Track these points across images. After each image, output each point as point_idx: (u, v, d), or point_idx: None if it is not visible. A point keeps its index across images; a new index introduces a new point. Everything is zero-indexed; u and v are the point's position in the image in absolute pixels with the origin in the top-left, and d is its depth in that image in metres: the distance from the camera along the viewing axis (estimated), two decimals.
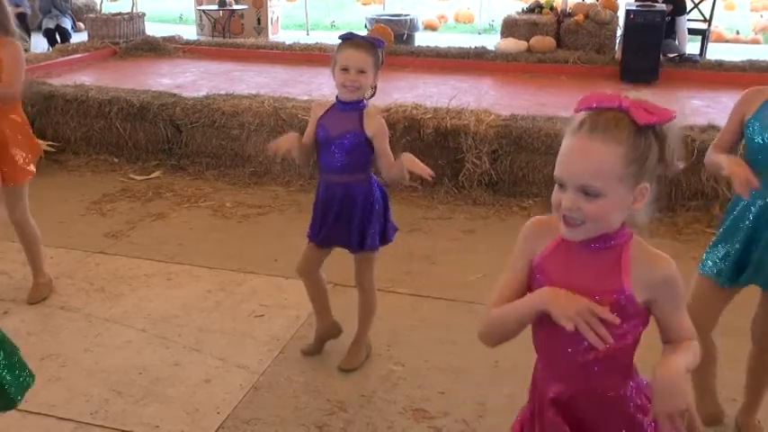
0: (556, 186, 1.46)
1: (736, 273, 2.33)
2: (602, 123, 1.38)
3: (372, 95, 2.79)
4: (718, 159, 2.34)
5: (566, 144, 1.43)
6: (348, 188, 2.77)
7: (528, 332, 1.63)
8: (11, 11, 3.26)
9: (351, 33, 2.77)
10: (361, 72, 2.66)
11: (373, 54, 2.69)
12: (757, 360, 2.51)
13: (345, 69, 2.67)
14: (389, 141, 2.80)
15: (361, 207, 2.79)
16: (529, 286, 1.57)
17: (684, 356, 1.44)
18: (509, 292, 1.58)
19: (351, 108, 2.74)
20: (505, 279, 1.61)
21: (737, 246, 2.31)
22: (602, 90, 1.45)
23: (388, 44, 8.19)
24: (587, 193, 1.39)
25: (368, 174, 2.82)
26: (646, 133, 1.38)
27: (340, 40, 2.73)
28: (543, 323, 1.51)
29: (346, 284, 3.37)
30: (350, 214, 2.79)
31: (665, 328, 1.51)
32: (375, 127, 2.74)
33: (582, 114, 1.42)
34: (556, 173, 1.44)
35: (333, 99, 2.81)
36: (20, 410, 2.68)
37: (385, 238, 2.91)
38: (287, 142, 2.79)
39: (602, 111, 1.39)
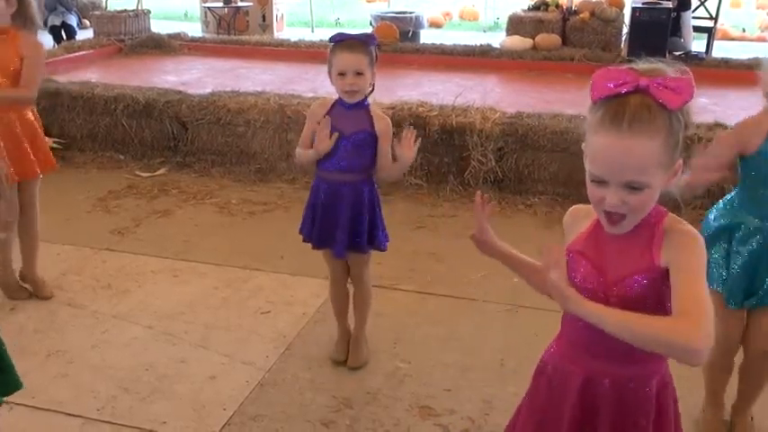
0: (591, 183, 1.42)
1: (743, 296, 2.36)
2: (636, 115, 1.33)
3: (371, 92, 2.77)
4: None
5: (601, 141, 1.37)
6: (356, 187, 2.76)
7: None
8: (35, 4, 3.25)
9: (341, 34, 2.74)
10: (359, 74, 2.65)
11: (367, 53, 2.68)
12: (748, 367, 2.52)
13: (342, 74, 2.66)
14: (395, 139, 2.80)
15: (368, 206, 2.78)
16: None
17: (614, 313, 1.35)
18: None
19: (357, 107, 2.73)
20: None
21: (738, 270, 2.34)
22: (614, 68, 1.39)
23: (393, 41, 8.20)
24: (632, 187, 1.37)
25: (372, 172, 2.82)
26: (676, 113, 1.36)
27: (332, 43, 2.70)
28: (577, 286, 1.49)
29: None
30: (359, 214, 2.78)
31: (673, 296, 1.38)
32: (383, 127, 2.74)
33: (605, 104, 1.37)
34: (595, 171, 1.40)
35: (332, 98, 2.79)
36: (27, 406, 2.70)
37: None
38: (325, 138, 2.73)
39: (624, 97, 1.35)
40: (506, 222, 4.53)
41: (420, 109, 5.05)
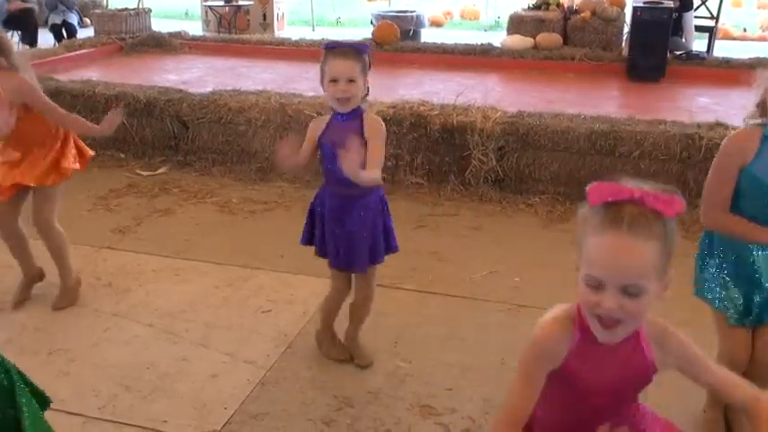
0: (586, 286, 1.43)
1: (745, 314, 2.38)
2: (636, 219, 1.38)
3: (365, 96, 2.73)
4: (745, 229, 2.31)
5: (601, 243, 1.40)
6: (364, 201, 2.74)
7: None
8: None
9: (334, 42, 2.72)
10: (351, 81, 2.62)
11: (360, 60, 2.65)
12: (751, 377, 2.52)
13: (335, 81, 2.63)
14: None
15: (381, 217, 2.79)
16: (550, 380, 1.56)
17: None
18: (527, 403, 1.56)
19: (350, 117, 2.70)
20: (521, 391, 1.58)
21: (742, 289, 2.36)
22: (607, 182, 1.45)
23: (394, 41, 8.20)
24: (630, 292, 1.39)
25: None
26: (669, 223, 1.41)
27: (324, 50, 2.68)
28: (574, 393, 1.55)
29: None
30: (374, 228, 2.77)
31: (713, 386, 1.60)
32: (372, 128, 2.70)
33: (603, 210, 1.41)
34: (593, 273, 1.41)
35: (328, 114, 2.76)
36: None
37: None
38: (288, 149, 2.72)
39: (621, 204, 1.40)
40: (507, 222, 4.53)
41: (421, 108, 5.05)
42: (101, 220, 4.51)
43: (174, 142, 5.57)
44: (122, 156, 5.64)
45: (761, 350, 2.38)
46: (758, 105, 2.26)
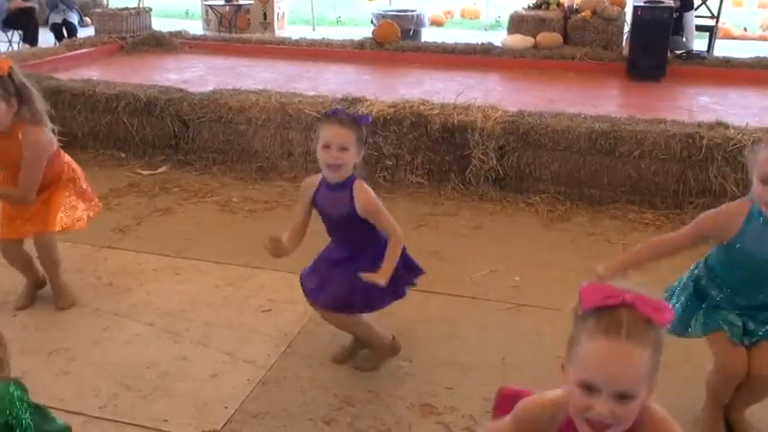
0: (579, 390, 1.44)
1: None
2: (632, 325, 1.40)
3: (357, 166, 2.70)
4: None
5: (595, 348, 1.42)
6: (355, 260, 2.74)
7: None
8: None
9: (335, 109, 2.69)
10: (343, 149, 2.58)
11: (356, 130, 2.62)
12: (749, 387, 2.53)
13: (327, 146, 2.60)
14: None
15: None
16: None
17: None
18: None
19: (339, 188, 2.67)
20: None
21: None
22: (597, 284, 1.47)
23: (395, 40, 8.19)
24: (623, 397, 1.41)
25: (376, 238, 2.75)
26: (660, 330, 1.44)
27: (322, 117, 2.68)
28: None
29: None
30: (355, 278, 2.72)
31: None
32: (362, 203, 2.65)
33: (598, 314, 1.43)
34: (587, 378, 1.42)
35: (319, 175, 2.74)
36: None
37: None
38: (276, 245, 2.77)
39: (614, 309, 1.42)
40: (507, 221, 4.53)
41: (421, 107, 5.04)
42: (101, 219, 4.48)
43: (174, 141, 5.57)
44: (123, 155, 5.64)
45: (762, 365, 2.38)
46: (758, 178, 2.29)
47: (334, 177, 2.65)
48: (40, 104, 3.21)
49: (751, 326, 2.40)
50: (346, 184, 2.67)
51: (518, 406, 1.64)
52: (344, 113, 2.66)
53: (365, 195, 2.66)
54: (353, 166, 2.66)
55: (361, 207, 2.66)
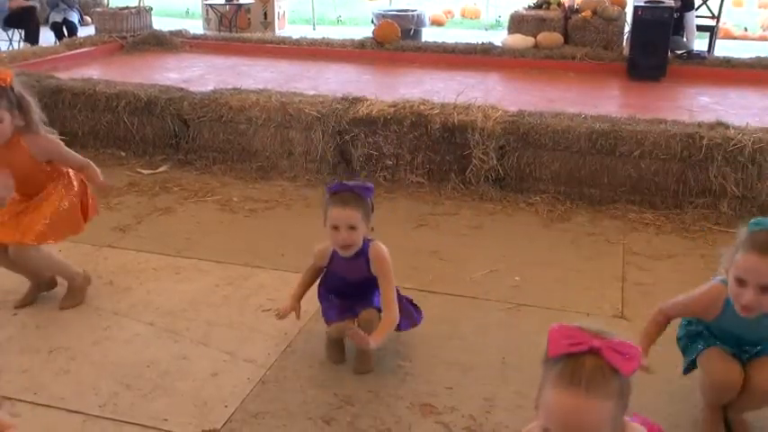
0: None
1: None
2: (592, 377, 1.40)
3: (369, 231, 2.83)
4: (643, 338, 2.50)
5: (558, 399, 1.44)
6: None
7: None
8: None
9: (339, 185, 2.76)
10: (352, 228, 2.70)
11: (362, 206, 2.72)
12: (748, 397, 2.53)
13: (336, 228, 2.71)
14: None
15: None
16: None
17: None
18: None
19: (355, 257, 2.80)
20: None
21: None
22: (566, 325, 1.47)
23: (395, 40, 8.19)
24: None
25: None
26: (626, 379, 1.45)
27: (327, 193, 2.76)
28: None
29: None
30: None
31: None
32: (378, 267, 2.81)
33: (562, 362, 1.44)
34: (549, 426, 1.46)
35: (330, 247, 2.84)
36: (29, 403, 2.71)
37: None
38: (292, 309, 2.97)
39: (579, 357, 1.42)
40: (508, 221, 4.53)
41: (422, 107, 5.05)
42: (101, 218, 4.49)
43: (174, 141, 5.57)
44: (123, 154, 5.64)
45: (761, 380, 2.38)
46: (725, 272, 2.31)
47: (347, 254, 2.79)
48: (37, 114, 3.22)
49: (745, 347, 2.44)
50: (361, 253, 2.80)
51: None
52: (348, 190, 2.73)
53: (378, 254, 2.81)
54: (365, 235, 2.80)
55: (374, 266, 2.81)
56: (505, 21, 9.11)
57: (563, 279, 3.70)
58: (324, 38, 8.52)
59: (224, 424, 2.62)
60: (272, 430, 2.60)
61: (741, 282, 2.20)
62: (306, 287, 3.03)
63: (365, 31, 9.05)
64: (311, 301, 3.43)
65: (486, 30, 12.98)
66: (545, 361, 1.49)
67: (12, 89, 3.10)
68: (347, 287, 2.92)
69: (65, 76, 6.22)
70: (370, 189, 2.79)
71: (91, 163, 3.39)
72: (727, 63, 7.31)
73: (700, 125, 4.73)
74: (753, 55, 7.64)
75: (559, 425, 1.44)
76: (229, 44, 8.56)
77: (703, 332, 2.50)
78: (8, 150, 3.15)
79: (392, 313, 2.79)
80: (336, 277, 2.92)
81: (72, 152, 3.36)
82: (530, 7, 8.73)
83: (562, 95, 6.21)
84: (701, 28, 8.73)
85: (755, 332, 2.37)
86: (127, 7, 9.50)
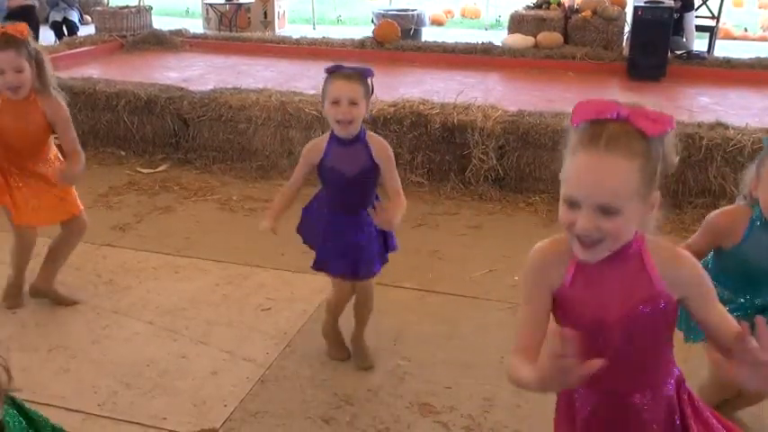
0: (564, 206, 1.39)
1: None
2: (614, 137, 1.31)
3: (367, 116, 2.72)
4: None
5: (577, 161, 1.36)
6: (363, 214, 2.74)
7: None
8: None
9: (337, 65, 2.65)
10: (353, 104, 2.57)
11: (363, 84, 2.61)
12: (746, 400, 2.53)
13: (336, 102, 2.57)
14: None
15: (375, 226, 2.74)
16: (557, 314, 1.52)
17: None
18: (532, 328, 1.51)
19: (354, 142, 2.66)
20: (524, 314, 1.55)
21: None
22: (596, 98, 1.39)
23: (395, 39, 8.19)
24: (606, 211, 1.34)
25: (372, 200, 2.77)
26: (654, 142, 1.35)
27: (326, 73, 2.64)
28: (580, 323, 1.42)
29: None
30: (374, 236, 2.80)
31: (709, 324, 1.44)
32: (379, 152, 2.68)
33: (584, 127, 1.35)
34: (568, 192, 1.38)
35: (324, 137, 2.73)
36: (29, 402, 2.69)
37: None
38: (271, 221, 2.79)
39: (603, 122, 1.33)
40: (507, 221, 4.54)
41: (421, 107, 5.05)
42: (101, 217, 4.51)
43: (174, 140, 5.57)
44: (123, 153, 5.64)
45: None
46: (745, 197, 2.26)
47: (345, 133, 2.64)
48: (50, 74, 3.24)
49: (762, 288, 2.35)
50: (360, 138, 2.67)
51: (526, 265, 1.55)
52: (349, 68, 2.63)
53: (381, 142, 2.70)
54: (363, 119, 2.67)
55: (378, 153, 2.66)
56: (505, 20, 9.11)
57: None
58: (324, 37, 8.51)
59: (223, 423, 2.63)
60: (271, 429, 2.60)
61: None
62: (288, 202, 2.84)
63: (365, 31, 9.05)
64: (311, 300, 3.44)
65: (486, 29, 12.97)
66: (566, 131, 1.39)
67: (29, 43, 3.10)
68: (346, 186, 2.71)
69: (65, 75, 6.21)
70: (369, 70, 2.68)
71: (82, 153, 3.31)
72: (727, 63, 7.31)
73: (699, 125, 4.73)
74: (753, 55, 7.63)
75: (578, 187, 1.35)
76: (229, 43, 8.56)
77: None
78: (25, 106, 3.15)
79: (401, 198, 2.68)
80: (333, 174, 2.70)
81: (74, 130, 3.31)
82: (530, 7, 8.72)
83: (562, 95, 6.21)
84: (700, 28, 8.73)
85: None
86: (127, 6, 9.49)
